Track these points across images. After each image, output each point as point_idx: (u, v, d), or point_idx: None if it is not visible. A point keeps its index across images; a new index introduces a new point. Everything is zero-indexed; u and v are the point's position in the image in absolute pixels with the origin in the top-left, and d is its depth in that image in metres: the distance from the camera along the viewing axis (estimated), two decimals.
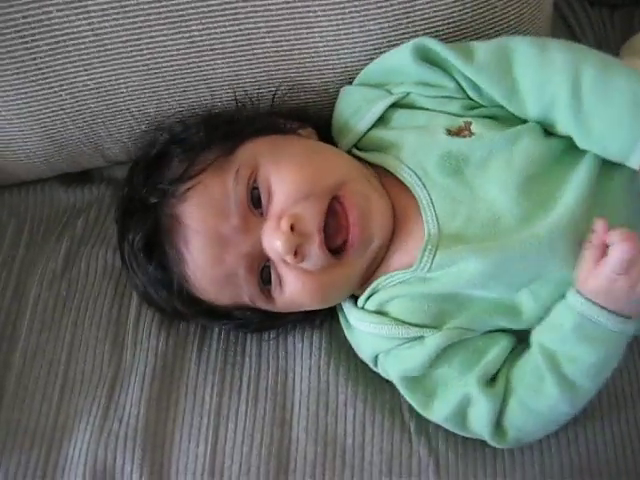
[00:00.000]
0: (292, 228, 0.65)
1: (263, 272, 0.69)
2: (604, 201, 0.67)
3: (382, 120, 0.73)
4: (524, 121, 0.69)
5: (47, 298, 0.81)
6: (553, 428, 0.69)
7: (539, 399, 0.66)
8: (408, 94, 0.72)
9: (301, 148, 0.72)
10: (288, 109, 0.77)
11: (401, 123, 0.72)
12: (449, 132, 0.69)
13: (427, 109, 0.71)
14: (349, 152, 0.74)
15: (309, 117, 0.77)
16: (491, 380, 0.69)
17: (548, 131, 0.69)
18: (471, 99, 0.71)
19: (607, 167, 0.67)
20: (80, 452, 0.73)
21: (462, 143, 0.68)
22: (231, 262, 0.68)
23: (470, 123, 0.69)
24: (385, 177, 0.71)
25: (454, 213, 0.67)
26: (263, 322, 0.75)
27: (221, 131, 0.71)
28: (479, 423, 0.68)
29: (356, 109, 0.74)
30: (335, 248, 0.68)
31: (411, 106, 0.72)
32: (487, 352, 0.69)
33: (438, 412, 0.70)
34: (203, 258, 0.68)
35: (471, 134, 0.69)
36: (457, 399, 0.68)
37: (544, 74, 0.66)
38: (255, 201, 0.68)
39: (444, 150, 0.68)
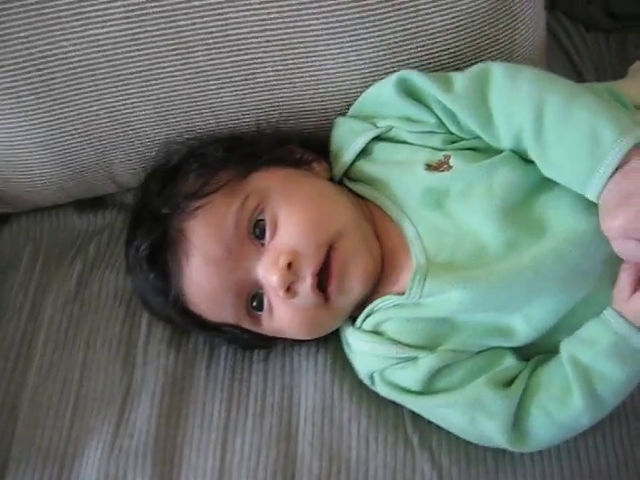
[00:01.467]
0: (289, 266, 0.68)
1: (255, 298, 0.72)
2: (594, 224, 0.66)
3: (366, 152, 0.76)
4: (502, 151, 0.70)
5: (61, 319, 0.84)
6: (571, 436, 0.70)
7: (562, 409, 0.67)
8: (391, 128, 0.75)
9: (311, 188, 0.75)
10: (305, 138, 0.80)
11: (384, 156, 0.75)
12: (428, 167, 0.72)
13: (409, 143, 0.74)
14: (340, 181, 0.77)
15: (324, 147, 0.79)
16: (505, 385, 0.69)
17: (527, 159, 0.69)
18: (452, 133, 0.73)
19: None
20: (92, 469, 0.75)
21: (441, 178, 0.71)
22: (222, 285, 0.71)
23: (449, 157, 0.71)
24: (374, 209, 0.74)
25: (440, 245, 0.70)
26: (251, 341, 0.77)
27: (239, 153, 0.75)
28: (494, 425, 0.68)
29: (344, 141, 0.77)
30: (325, 289, 0.70)
31: (393, 140, 0.75)
32: (492, 366, 0.70)
33: (448, 419, 0.71)
34: (198, 275, 0.71)
35: (449, 168, 0.71)
36: (465, 403, 0.69)
37: (512, 105, 0.68)
38: (257, 231, 0.71)
39: (424, 186, 0.71)
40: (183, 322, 0.77)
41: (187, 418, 0.77)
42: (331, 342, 0.79)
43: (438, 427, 0.73)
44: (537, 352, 0.71)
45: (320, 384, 0.77)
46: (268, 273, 0.69)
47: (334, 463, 0.73)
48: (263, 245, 0.71)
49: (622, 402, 0.72)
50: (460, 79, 0.71)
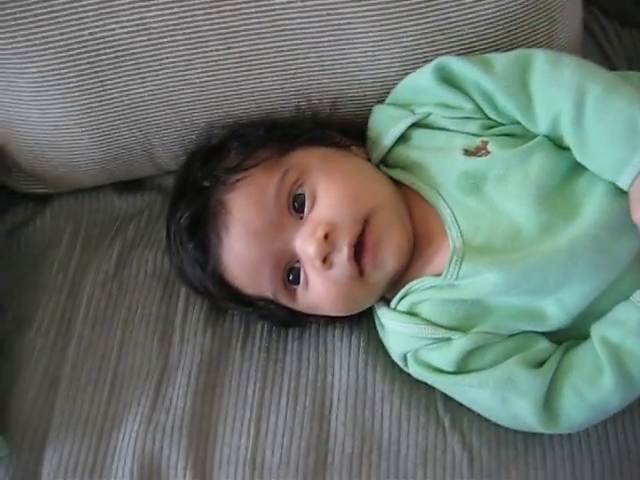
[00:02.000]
0: (326, 237, 0.70)
1: (292, 271, 0.73)
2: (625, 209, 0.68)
3: (405, 138, 0.77)
4: (536, 137, 0.72)
5: (100, 297, 0.86)
6: (601, 418, 0.71)
7: (593, 389, 0.68)
8: (429, 114, 0.76)
9: (350, 165, 0.76)
10: (344, 124, 0.82)
11: (422, 142, 0.76)
12: (466, 152, 0.73)
13: (447, 129, 0.75)
14: (377, 167, 0.78)
15: (361, 134, 0.81)
16: (536, 366, 0.70)
17: (561, 145, 0.71)
18: (489, 118, 0.75)
19: None
20: (129, 442, 0.76)
21: (479, 162, 0.72)
22: (262, 255, 0.72)
23: (487, 142, 0.73)
24: (410, 194, 0.76)
25: (477, 228, 0.71)
26: (285, 318, 0.78)
27: (279, 133, 0.77)
28: (525, 404, 0.69)
29: (382, 127, 0.78)
30: (359, 262, 0.72)
31: (432, 126, 0.76)
32: (524, 348, 0.71)
33: (480, 401, 0.72)
34: (237, 246, 0.73)
35: (487, 153, 0.72)
36: (497, 382, 0.69)
37: (553, 90, 0.69)
38: (297, 205, 0.72)
39: (462, 170, 0.72)
40: (220, 295, 0.78)
41: (222, 396, 0.78)
42: (364, 323, 0.80)
43: (469, 409, 0.74)
44: (567, 338, 0.72)
45: (353, 365, 0.78)
46: (305, 243, 0.71)
47: (366, 443, 0.74)
48: (302, 218, 0.72)
49: None
50: (500, 61, 0.72)
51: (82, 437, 0.78)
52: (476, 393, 0.72)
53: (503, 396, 0.70)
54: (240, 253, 0.73)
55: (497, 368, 0.70)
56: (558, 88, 0.69)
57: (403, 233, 0.73)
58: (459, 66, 0.74)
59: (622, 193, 0.67)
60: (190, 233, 0.75)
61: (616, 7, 0.98)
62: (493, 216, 0.70)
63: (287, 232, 0.72)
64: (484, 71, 0.72)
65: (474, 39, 0.77)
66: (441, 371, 0.72)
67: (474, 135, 0.74)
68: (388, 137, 0.77)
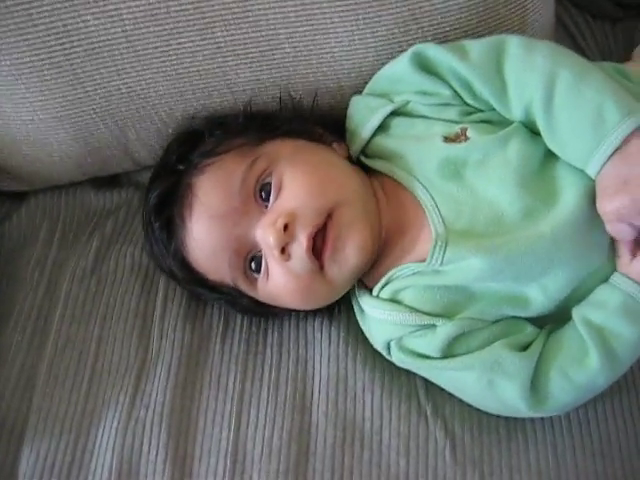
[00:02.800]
0: (286, 227, 0.69)
1: (254, 260, 0.73)
2: None
3: (384, 128, 0.77)
4: (512, 123, 0.72)
5: (78, 293, 0.85)
6: (587, 398, 0.71)
7: (580, 370, 0.68)
8: (408, 102, 0.76)
9: (321, 158, 0.76)
10: (324, 117, 0.82)
11: (401, 131, 0.76)
12: (446, 139, 0.73)
13: (425, 117, 0.76)
14: (357, 159, 0.78)
15: (341, 127, 0.80)
16: (522, 349, 0.70)
17: (536, 131, 0.71)
18: (467, 104, 0.75)
19: None
20: (108, 438, 0.75)
21: (459, 149, 0.72)
22: (222, 241, 0.72)
23: (466, 129, 0.73)
24: (390, 183, 0.75)
25: (459, 213, 0.71)
26: (250, 307, 0.78)
27: (258, 122, 0.77)
28: (512, 387, 0.69)
29: (361, 118, 0.78)
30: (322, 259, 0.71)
31: (410, 114, 0.76)
32: (509, 332, 0.71)
33: (465, 386, 0.72)
34: (199, 229, 0.73)
35: (467, 139, 0.72)
36: (484, 365, 0.69)
37: (526, 76, 0.70)
38: (264, 194, 0.72)
39: (442, 157, 0.72)
40: (184, 278, 0.78)
41: (202, 390, 0.78)
42: (344, 314, 0.80)
43: (451, 396, 0.75)
44: (549, 322, 0.72)
45: (334, 355, 0.78)
46: (265, 233, 0.71)
47: (348, 433, 0.74)
48: (267, 207, 0.72)
49: (631, 371, 0.73)
50: (476, 48, 0.73)
51: (60, 434, 0.77)
52: (462, 377, 0.71)
53: (489, 379, 0.69)
54: (201, 237, 0.73)
55: (483, 351, 0.70)
56: (530, 74, 0.69)
57: (367, 231, 0.72)
58: (435, 53, 0.74)
59: None
60: (157, 213, 0.76)
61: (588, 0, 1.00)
62: (474, 202, 0.71)
63: (250, 220, 0.72)
64: (460, 58, 0.72)
65: (447, 28, 0.78)
66: (427, 357, 0.72)
67: (453, 122, 0.74)
68: (367, 128, 0.77)
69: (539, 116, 0.69)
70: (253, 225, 0.72)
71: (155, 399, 0.77)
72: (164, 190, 0.75)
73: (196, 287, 0.79)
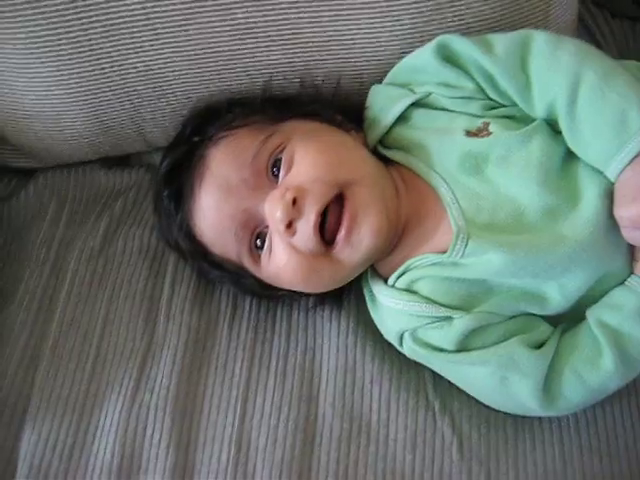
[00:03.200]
0: (294, 202, 0.68)
1: (260, 236, 0.72)
2: None
3: (404, 118, 0.76)
4: (535, 120, 0.72)
5: (84, 274, 0.84)
6: (598, 399, 0.71)
7: (593, 371, 0.68)
8: (430, 94, 0.75)
9: (337, 139, 0.75)
10: (343, 104, 0.80)
11: (422, 122, 0.75)
12: (468, 133, 0.72)
13: (447, 110, 0.74)
14: (374, 148, 0.77)
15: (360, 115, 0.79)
16: (536, 347, 0.70)
17: (558, 130, 0.71)
18: (491, 99, 0.74)
19: None
20: (112, 421, 0.75)
21: (481, 143, 0.71)
22: (230, 212, 0.71)
23: (488, 123, 0.72)
24: (409, 175, 0.74)
25: (478, 208, 0.70)
26: (253, 287, 0.77)
27: (276, 103, 0.76)
28: (526, 385, 0.68)
29: (381, 107, 0.77)
30: (332, 241, 0.70)
31: (432, 106, 0.75)
32: (525, 329, 0.70)
33: (476, 380, 0.71)
34: (207, 200, 0.72)
35: (489, 134, 0.71)
36: (499, 361, 0.69)
37: (550, 74, 0.69)
38: (275, 170, 0.72)
39: (464, 151, 0.71)
40: (189, 250, 0.77)
41: (208, 375, 0.77)
42: (354, 305, 0.80)
43: (459, 392, 0.74)
44: (561, 321, 0.72)
45: (342, 346, 0.77)
46: (272, 206, 0.69)
47: (354, 424, 0.73)
48: (276, 183, 0.71)
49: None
50: (501, 42, 0.72)
51: (62, 415, 0.76)
52: (474, 372, 0.71)
53: (503, 376, 0.69)
54: (209, 207, 0.72)
55: (500, 347, 0.69)
56: (555, 72, 0.68)
57: (383, 214, 0.70)
58: (460, 45, 0.73)
59: None
60: (167, 182, 0.76)
61: None
62: (495, 197, 0.70)
63: (260, 194, 0.71)
64: (485, 51, 0.71)
65: (470, 19, 0.77)
66: (441, 350, 0.71)
67: (475, 116, 0.73)
68: (388, 116, 0.76)
69: (562, 117, 0.68)
70: (262, 199, 0.71)
71: (160, 383, 0.77)
72: (176, 159, 0.75)
73: (201, 262, 0.78)
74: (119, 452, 0.73)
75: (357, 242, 0.70)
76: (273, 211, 0.69)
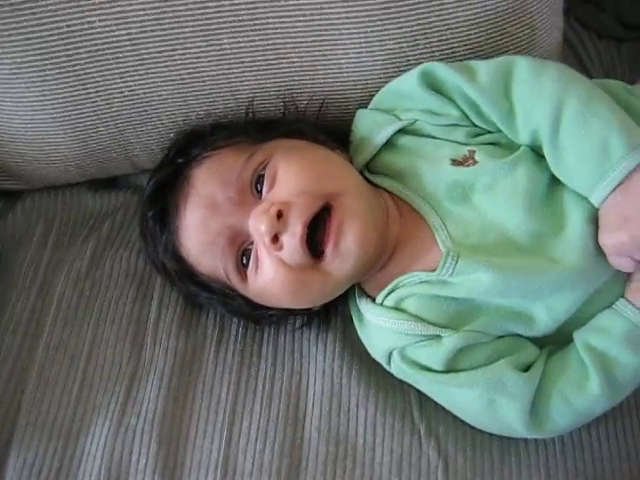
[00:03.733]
0: (279, 215, 0.68)
1: (246, 253, 0.72)
2: None
3: (391, 144, 0.76)
4: (520, 147, 0.72)
5: (71, 296, 0.84)
6: (585, 422, 0.71)
7: (580, 394, 0.68)
8: (415, 121, 0.75)
9: (320, 154, 0.75)
10: (328, 127, 0.81)
11: (409, 149, 0.75)
12: (454, 162, 0.73)
13: (433, 137, 0.75)
14: (361, 173, 0.77)
15: (344, 139, 0.80)
16: (524, 370, 0.70)
17: (542, 156, 0.71)
18: (476, 125, 0.74)
19: None
20: (97, 445, 0.75)
21: (467, 172, 0.72)
22: (216, 229, 0.72)
23: (474, 152, 0.73)
24: (396, 200, 0.75)
25: (467, 232, 0.71)
26: (242, 308, 0.77)
27: (260, 124, 0.77)
28: (513, 407, 0.68)
29: (368, 132, 0.77)
30: (318, 254, 0.70)
31: (418, 133, 0.75)
32: (513, 350, 0.70)
33: (463, 402, 0.71)
34: (193, 218, 0.73)
35: (475, 162, 0.72)
36: (487, 383, 0.69)
37: (533, 101, 0.69)
38: (259, 186, 0.72)
39: (450, 180, 0.72)
40: (175, 270, 0.77)
41: (194, 399, 0.77)
42: (340, 328, 0.80)
43: (445, 416, 0.74)
44: (548, 343, 0.72)
45: (328, 370, 0.77)
46: (256, 220, 0.69)
47: (340, 448, 0.73)
48: (260, 199, 0.72)
49: (626, 400, 0.73)
50: (484, 69, 0.72)
51: (48, 440, 0.76)
52: (462, 393, 0.71)
53: (491, 398, 0.69)
54: (195, 225, 0.73)
55: (488, 369, 0.69)
56: (538, 99, 0.69)
57: (370, 223, 0.70)
58: (444, 73, 0.73)
59: None
60: (152, 202, 0.77)
61: (593, 19, 1.00)
62: (482, 224, 0.70)
63: (245, 210, 0.71)
64: (468, 79, 0.72)
65: (456, 44, 0.77)
66: (429, 369, 0.71)
67: (461, 144, 0.73)
68: (374, 142, 0.76)
69: (545, 144, 0.69)
70: (247, 216, 0.71)
71: (146, 407, 0.77)
72: (161, 181, 0.76)
73: (188, 284, 0.78)
74: (105, 477, 0.73)
75: (346, 251, 0.69)
76: (257, 225, 0.69)
